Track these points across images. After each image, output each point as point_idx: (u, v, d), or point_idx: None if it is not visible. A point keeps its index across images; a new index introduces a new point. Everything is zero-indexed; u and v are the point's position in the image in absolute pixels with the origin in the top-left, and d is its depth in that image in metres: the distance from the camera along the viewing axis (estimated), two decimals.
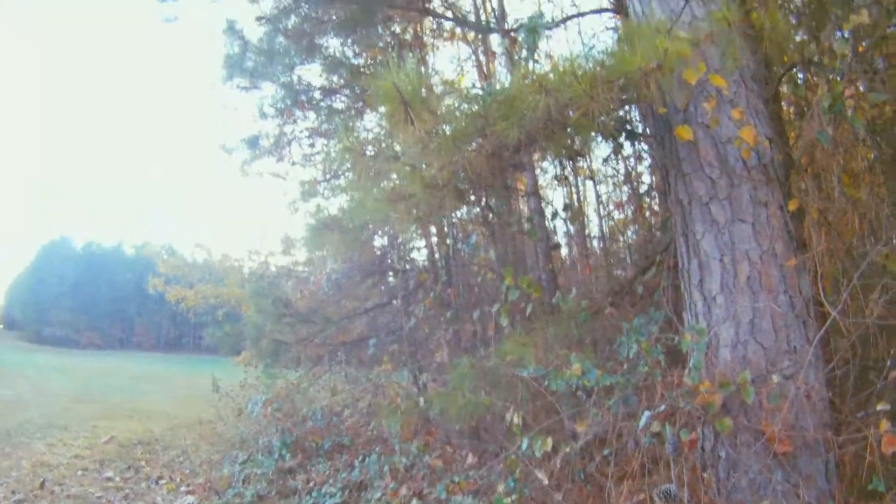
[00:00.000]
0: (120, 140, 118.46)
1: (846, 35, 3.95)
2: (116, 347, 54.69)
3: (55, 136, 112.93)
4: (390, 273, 8.67)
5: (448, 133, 3.51)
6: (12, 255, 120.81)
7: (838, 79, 3.90)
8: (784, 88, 4.87)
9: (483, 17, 8.05)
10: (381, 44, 7.82)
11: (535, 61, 4.23)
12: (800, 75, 4.83)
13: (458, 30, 8.63)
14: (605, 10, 7.08)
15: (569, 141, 3.94)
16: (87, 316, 55.88)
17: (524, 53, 4.16)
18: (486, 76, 8.62)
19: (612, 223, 7.80)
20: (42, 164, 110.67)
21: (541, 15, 4.38)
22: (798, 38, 4.54)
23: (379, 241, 7.93)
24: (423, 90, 3.33)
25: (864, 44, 4.02)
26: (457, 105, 3.84)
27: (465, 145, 3.52)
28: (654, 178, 6.97)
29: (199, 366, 26.68)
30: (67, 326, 54.39)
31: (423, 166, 3.66)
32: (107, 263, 60.03)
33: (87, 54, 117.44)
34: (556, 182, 7.63)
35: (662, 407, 3.60)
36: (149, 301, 47.32)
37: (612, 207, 7.83)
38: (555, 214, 6.95)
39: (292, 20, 6.73)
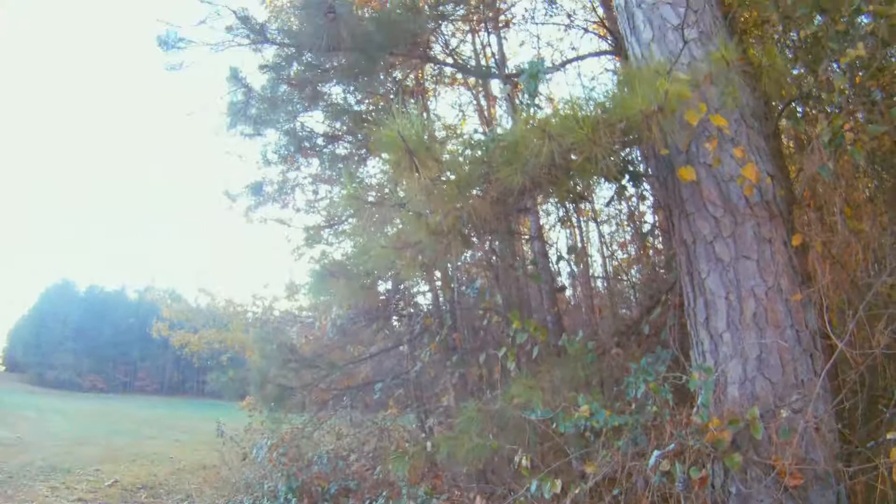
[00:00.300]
0: (122, 183, 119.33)
1: (843, 68, 3.99)
2: (119, 391, 54.36)
3: (57, 178, 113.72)
4: (395, 318, 8.67)
5: (453, 180, 3.54)
6: (14, 297, 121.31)
7: (837, 112, 3.94)
8: (783, 122, 4.92)
9: (483, 62, 8.16)
10: (382, 90, 7.91)
11: (537, 106, 4.27)
12: (798, 109, 4.87)
13: (458, 75, 8.75)
14: (604, 52, 7.18)
15: (572, 184, 3.96)
16: (89, 359, 55.65)
17: (526, 98, 4.20)
18: (488, 120, 8.71)
19: (616, 263, 7.81)
20: (44, 204, 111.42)
21: (541, 60, 4.41)
22: (795, 72, 4.60)
23: (383, 286, 7.95)
24: (427, 138, 3.36)
25: (860, 74, 4.05)
26: (460, 151, 3.87)
27: (470, 191, 3.54)
28: (656, 217, 6.99)
29: (202, 410, 26.54)
30: (70, 369, 54.13)
31: (428, 213, 3.68)
32: (110, 307, 59.94)
33: (93, 96, 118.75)
34: (559, 224, 7.66)
35: (672, 445, 3.57)
36: (152, 345, 47.19)
37: (615, 247, 7.86)
38: (560, 258, 6.96)
39: (294, 68, 6.81)
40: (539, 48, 8.39)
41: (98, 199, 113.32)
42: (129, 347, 57.08)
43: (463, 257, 7.01)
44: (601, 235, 7.76)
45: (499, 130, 8.13)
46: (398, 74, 8.17)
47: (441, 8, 6.52)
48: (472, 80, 8.68)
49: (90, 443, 14.88)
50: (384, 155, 3.80)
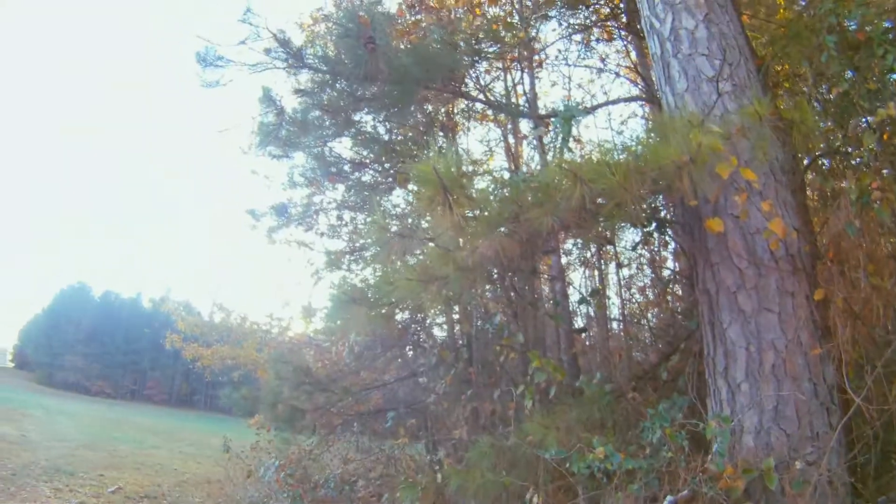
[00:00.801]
0: (147, 192, 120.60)
1: (873, 126, 4.02)
2: (127, 398, 54.53)
3: (83, 180, 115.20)
4: (410, 347, 8.68)
5: (483, 218, 3.58)
6: (26, 295, 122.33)
7: (865, 169, 3.96)
8: (809, 174, 4.94)
9: (514, 100, 8.22)
10: (412, 120, 7.99)
11: (569, 149, 4.32)
12: (825, 162, 4.90)
13: (488, 111, 8.81)
14: (636, 98, 7.23)
15: (599, 228, 3.99)
16: (99, 364, 55.89)
17: (558, 141, 4.25)
18: (515, 158, 8.76)
19: (635, 305, 7.79)
20: (64, 205, 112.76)
21: (576, 105, 4.47)
22: (823, 125, 4.63)
23: (400, 315, 7.96)
24: (461, 175, 3.41)
25: (888, 130, 4.07)
26: (491, 189, 3.92)
27: (499, 230, 3.58)
28: (677, 264, 6.99)
29: (209, 424, 26.56)
30: (79, 372, 54.37)
31: (456, 249, 3.71)
32: (124, 314, 60.30)
33: (119, 109, 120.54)
34: (579, 264, 7.68)
35: (685, 492, 3.58)
36: (163, 355, 47.40)
37: (634, 291, 7.85)
38: (582, 300, 6.96)
39: (328, 94, 6.88)
40: (570, 89, 8.45)
41: (120, 204, 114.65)
42: (140, 356, 57.30)
43: (482, 291, 7.02)
44: (620, 278, 7.75)
45: (525, 169, 8.21)
46: (430, 107, 8.26)
47: (477, 45, 6.58)
48: (501, 116, 8.75)
49: (95, 447, 14.89)
50: (416, 188, 3.85)
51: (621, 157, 3.56)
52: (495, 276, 4.46)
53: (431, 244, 3.78)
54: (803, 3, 5.45)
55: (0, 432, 14.17)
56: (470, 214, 3.58)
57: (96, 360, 55.93)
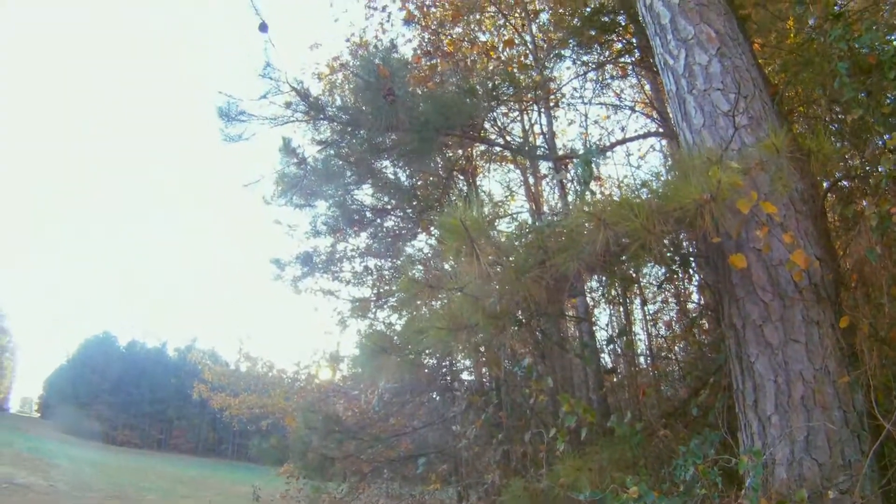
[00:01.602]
0: (168, 242, 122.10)
1: (890, 149, 4.03)
2: (154, 448, 54.57)
3: (108, 231, 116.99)
4: (437, 392, 8.69)
5: (511, 265, 3.61)
6: (53, 343, 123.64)
7: (884, 194, 3.97)
8: (828, 197, 4.94)
9: (531, 140, 8.29)
10: (432, 166, 8.07)
11: (591, 191, 4.36)
12: (844, 183, 4.90)
13: (507, 152, 8.88)
14: (653, 134, 7.28)
15: (624, 269, 4.01)
16: (125, 414, 56.15)
17: (580, 185, 4.28)
18: (535, 197, 8.82)
19: (661, 340, 7.76)
20: (91, 255, 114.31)
21: (594, 147, 4.52)
22: (839, 146, 4.64)
23: (428, 360, 7.97)
24: (486, 224, 3.45)
25: None
26: (516, 235, 3.95)
27: (526, 276, 3.61)
28: (701, 297, 6.97)
29: (237, 473, 26.49)
30: (105, 422, 54.62)
31: (484, 296, 3.74)
32: (149, 364, 60.69)
33: (146, 160, 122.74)
34: (605, 302, 7.66)
35: None
36: (189, 404, 47.49)
37: (660, 325, 7.82)
38: (611, 340, 6.95)
39: (348, 142, 6.96)
40: (587, 127, 8.49)
41: (144, 256, 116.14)
42: (166, 405, 57.47)
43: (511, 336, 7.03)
44: (645, 313, 7.72)
45: (546, 208, 8.25)
46: (450, 153, 8.34)
47: (494, 90, 6.65)
48: (520, 157, 8.82)
49: (123, 497, 14.91)
50: (442, 239, 3.88)
51: (642, 194, 3.58)
52: (522, 319, 4.46)
53: (459, 293, 3.80)
54: (812, 24, 5.49)
55: (28, 482, 14.21)
56: (499, 263, 3.62)
57: (122, 409, 56.21)
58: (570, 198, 6.84)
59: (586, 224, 3.46)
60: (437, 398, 8.81)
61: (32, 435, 36.73)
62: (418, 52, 9.07)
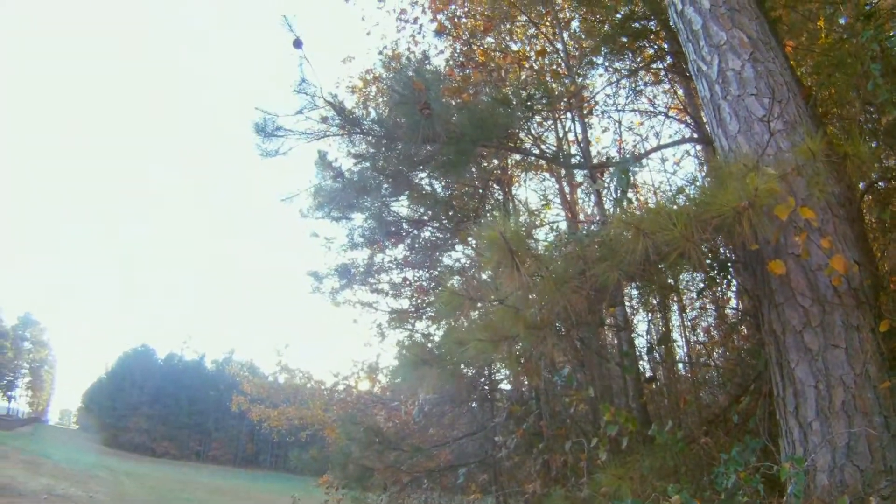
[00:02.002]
0: (207, 255, 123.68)
1: None
2: (192, 459, 55.08)
3: (148, 245, 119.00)
4: (476, 402, 8.71)
5: (551, 276, 3.64)
6: (91, 356, 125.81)
7: None
8: (866, 197, 4.90)
9: (566, 148, 8.28)
10: (468, 177, 8.11)
11: (629, 200, 4.37)
12: (880, 184, 4.86)
13: (542, 161, 8.89)
14: (688, 140, 7.25)
15: (663, 277, 4.01)
16: (164, 426, 56.85)
17: (616, 192, 4.30)
18: (571, 205, 8.81)
19: (700, 347, 7.69)
20: (131, 269, 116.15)
21: (630, 157, 4.53)
22: (875, 145, 4.60)
23: (467, 370, 7.98)
24: (526, 236, 3.49)
25: None
26: (556, 246, 3.98)
27: (565, 286, 3.63)
28: (740, 303, 6.91)
29: (276, 483, 26.64)
30: (144, 434, 55.39)
31: (524, 307, 3.76)
32: (187, 376, 61.39)
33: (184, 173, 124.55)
34: (643, 310, 7.63)
35: None
36: (227, 416, 47.98)
37: (699, 331, 7.76)
38: (651, 349, 6.93)
39: (384, 155, 7.01)
40: (621, 134, 8.45)
41: (182, 268, 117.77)
42: (205, 417, 58.09)
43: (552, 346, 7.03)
44: (684, 320, 7.67)
45: (582, 216, 8.25)
46: (485, 163, 8.37)
47: (529, 100, 6.66)
48: (555, 166, 8.82)
49: None
50: (482, 252, 3.92)
51: (679, 200, 3.59)
52: (562, 329, 4.47)
53: (499, 304, 3.83)
54: (843, 24, 5.45)
55: (68, 493, 14.44)
56: (539, 275, 3.65)
57: (161, 421, 56.94)
58: (606, 206, 6.85)
59: (625, 233, 3.47)
60: (477, 408, 8.83)
61: (72, 446, 37.29)
62: (451, 63, 9.12)
